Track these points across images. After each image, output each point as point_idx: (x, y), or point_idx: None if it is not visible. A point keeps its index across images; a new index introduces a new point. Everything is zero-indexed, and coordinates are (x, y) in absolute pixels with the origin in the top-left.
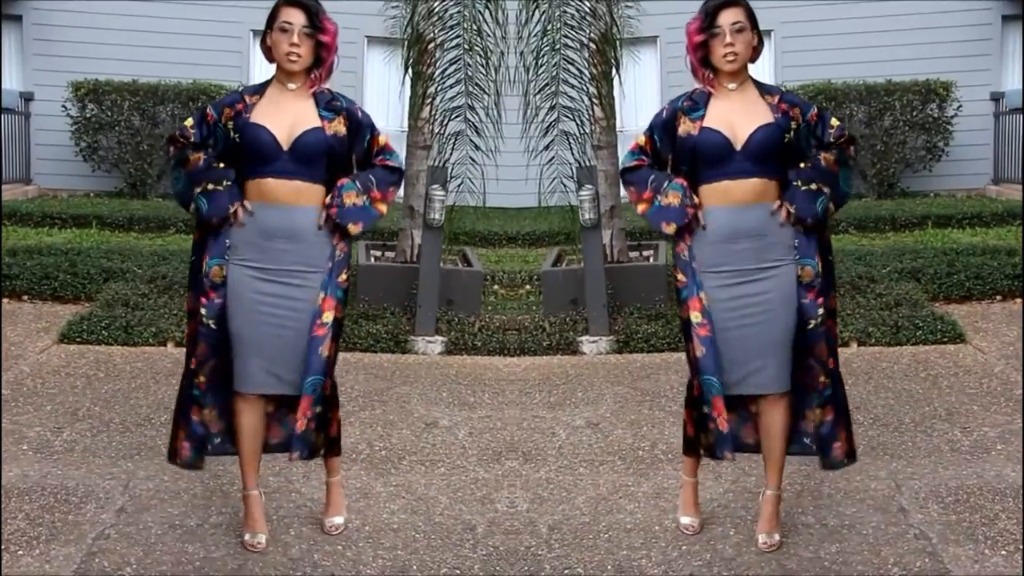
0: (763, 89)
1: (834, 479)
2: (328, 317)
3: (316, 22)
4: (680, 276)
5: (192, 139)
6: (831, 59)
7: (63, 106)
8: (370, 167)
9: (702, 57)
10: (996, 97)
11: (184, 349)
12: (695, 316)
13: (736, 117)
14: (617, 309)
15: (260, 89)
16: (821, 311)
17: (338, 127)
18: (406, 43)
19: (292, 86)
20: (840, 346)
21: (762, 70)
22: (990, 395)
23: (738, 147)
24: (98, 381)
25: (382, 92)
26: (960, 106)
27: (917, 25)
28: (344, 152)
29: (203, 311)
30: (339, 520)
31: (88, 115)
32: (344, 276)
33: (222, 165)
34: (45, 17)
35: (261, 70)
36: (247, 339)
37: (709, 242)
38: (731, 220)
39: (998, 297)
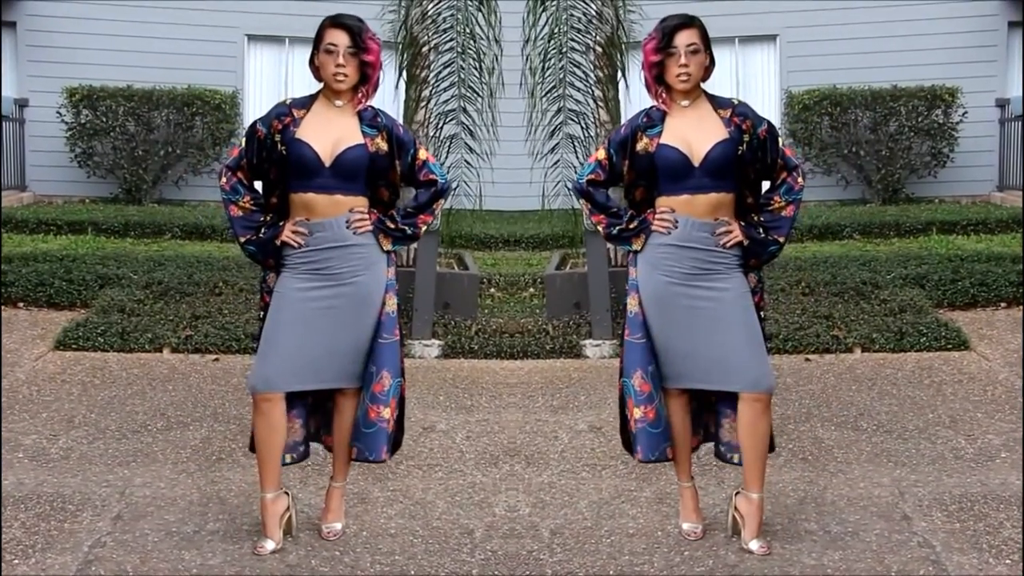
0: (716, 103)
1: (837, 486)
2: (395, 320)
3: (360, 42)
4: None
5: (245, 163)
6: (836, 64)
7: (58, 112)
8: (415, 183)
9: (657, 75)
10: (1001, 103)
11: (181, 355)
12: (628, 319)
13: (692, 133)
14: (620, 313)
15: (307, 103)
16: (763, 313)
17: (380, 144)
18: (400, 47)
19: (339, 103)
20: (843, 352)
21: (767, 75)
22: (994, 402)
23: (696, 163)
24: (94, 388)
25: (376, 95)
26: (965, 112)
27: (922, 31)
28: (386, 168)
29: (263, 313)
30: (338, 526)
31: (83, 121)
32: (392, 271)
33: (266, 218)
34: (39, 23)
35: (255, 75)
36: (283, 337)
37: (663, 243)
38: (686, 230)
39: (1002, 304)
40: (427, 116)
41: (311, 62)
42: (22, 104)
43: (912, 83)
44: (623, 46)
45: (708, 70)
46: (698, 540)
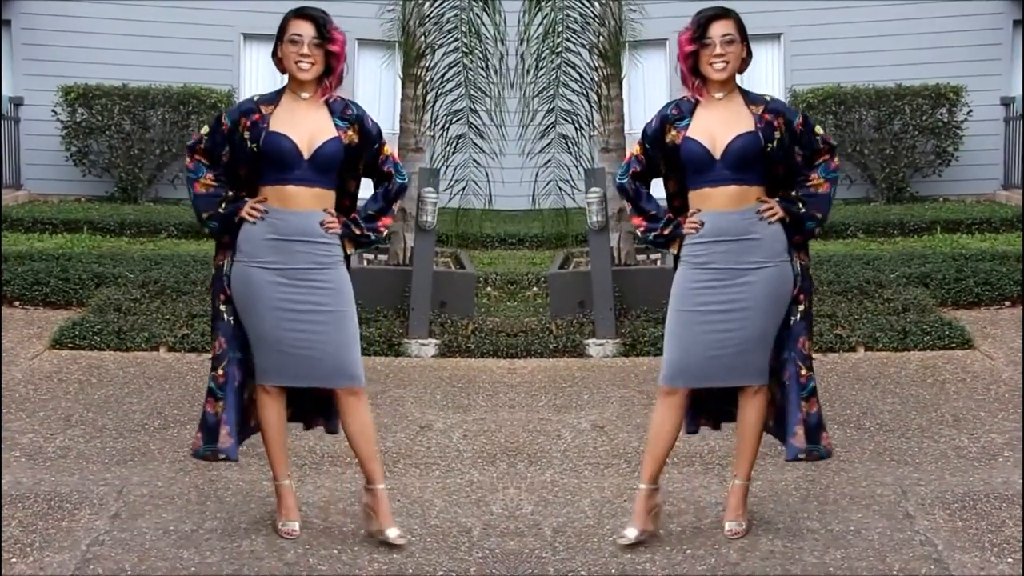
0: (749, 98)
1: (839, 484)
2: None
3: (325, 33)
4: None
5: (204, 147)
6: (841, 63)
7: (53, 111)
8: (376, 175)
9: (692, 66)
10: (1006, 102)
11: (177, 354)
12: None
13: (718, 126)
14: (624, 312)
15: (274, 99)
16: (801, 307)
17: (352, 136)
18: (397, 46)
19: (305, 95)
20: (847, 351)
21: (772, 74)
22: (998, 401)
23: (717, 156)
24: (91, 387)
25: (374, 95)
26: (970, 111)
27: (927, 29)
28: (356, 160)
29: (222, 307)
30: (395, 531)
31: (78, 119)
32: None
33: (227, 194)
34: (35, 21)
35: (251, 73)
36: (268, 339)
37: (696, 241)
38: (713, 222)
39: (1007, 303)
40: (434, 117)
41: (274, 54)
42: (17, 103)
43: (916, 82)
44: (624, 45)
45: (745, 61)
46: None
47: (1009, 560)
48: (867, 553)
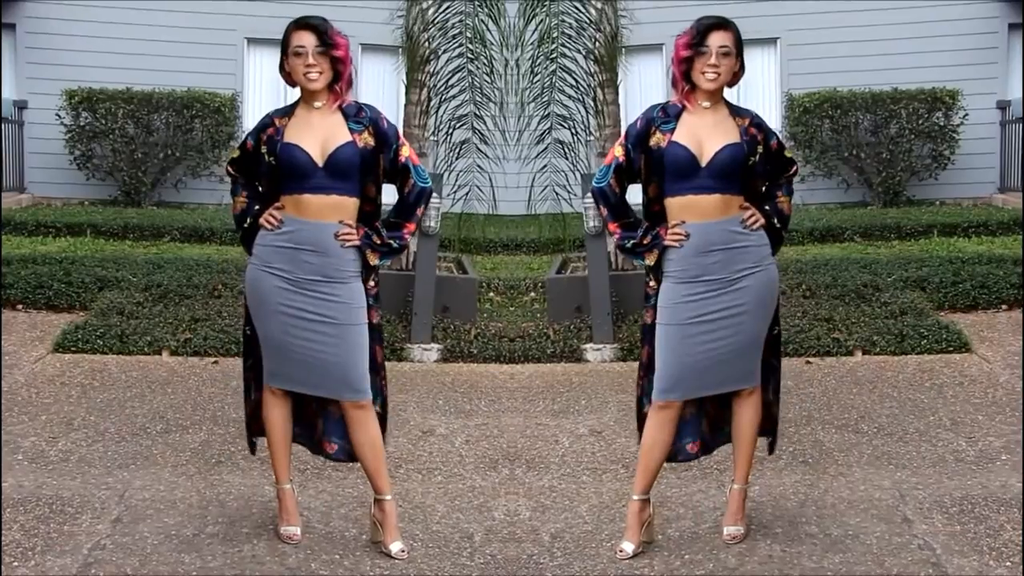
0: (735, 111)
1: (837, 488)
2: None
3: (327, 39)
4: (652, 282)
5: (238, 168)
6: (837, 67)
7: (57, 114)
8: (396, 179)
9: (684, 72)
10: (1002, 105)
11: (180, 358)
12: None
13: (704, 134)
14: (621, 317)
15: (289, 111)
16: (776, 329)
17: (367, 139)
18: (401, 51)
19: (318, 104)
20: (844, 355)
21: (768, 78)
22: (995, 405)
23: (703, 163)
24: (93, 390)
25: (377, 100)
26: (966, 114)
27: (923, 33)
28: (374, 163)
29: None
30: (398, 545)
31: (82, 123)
32: (373, 283)
33: (256, 208)
34: (39, 25)
35: (255, 77)
36: (274, 342)
37: (683, 255)
38: (700, 234)
39: (1003, 306)
40: (437, 123)
41: (281, 68)
42: (21, 106)
43: (912, 85)
44: (621, 50)
45: (737, 75)
46: (627, 559)
47: (1008, 564)
48: (865, 557)
